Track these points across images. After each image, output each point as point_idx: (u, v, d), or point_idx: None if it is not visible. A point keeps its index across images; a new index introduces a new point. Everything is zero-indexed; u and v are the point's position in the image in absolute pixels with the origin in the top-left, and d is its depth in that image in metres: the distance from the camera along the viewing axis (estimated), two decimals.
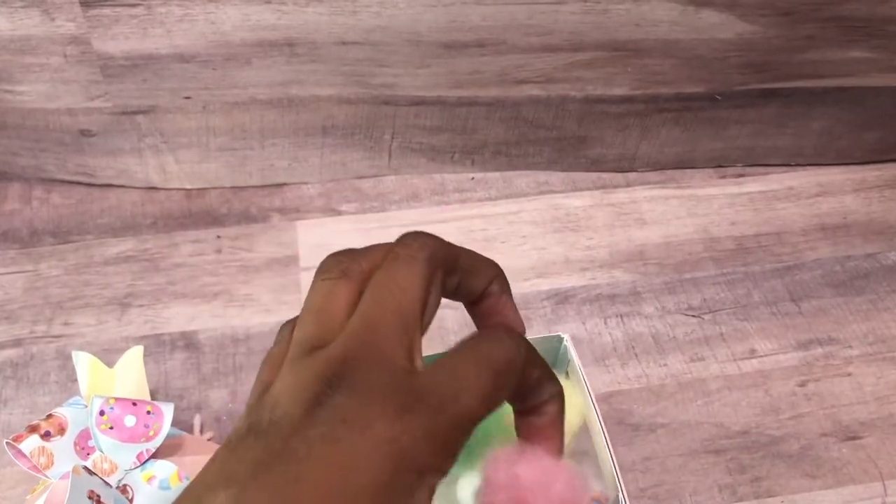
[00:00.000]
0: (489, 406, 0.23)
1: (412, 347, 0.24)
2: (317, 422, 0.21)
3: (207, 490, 0.21)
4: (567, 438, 0.46)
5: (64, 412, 0.51)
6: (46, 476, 0.49)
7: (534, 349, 0.25)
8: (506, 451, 0.25)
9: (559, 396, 0.26)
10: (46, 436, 0.49)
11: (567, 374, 0.49)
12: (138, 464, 0.49)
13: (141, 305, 0.65)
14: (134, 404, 0.50)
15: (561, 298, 0.66)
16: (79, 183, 0.73)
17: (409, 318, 0.24)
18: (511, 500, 0.24)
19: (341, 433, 0.21)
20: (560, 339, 0.48)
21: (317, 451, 0.21)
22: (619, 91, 0.69)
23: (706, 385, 0.61)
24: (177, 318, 0.64)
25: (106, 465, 0.49)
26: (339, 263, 0.25)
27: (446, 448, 0.22)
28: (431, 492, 0.22)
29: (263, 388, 0.23)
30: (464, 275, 0.26)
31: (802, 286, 0.68)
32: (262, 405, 0.23)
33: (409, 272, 0.25)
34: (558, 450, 0.26)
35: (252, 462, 0.21)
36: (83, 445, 0.50)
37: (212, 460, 0.22)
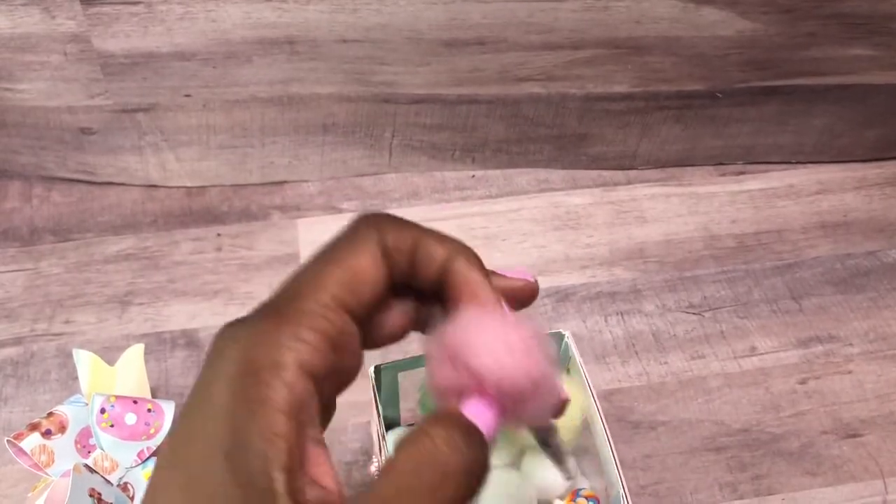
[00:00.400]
0: (350, 287, 0.22)
1: (381, 262, 0.22)
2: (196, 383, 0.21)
3: None
4: (569, 436, 0.47)
5: (65, 410, 0.51)
6: (47, 474, 0.49)
7: (396, 218, 0.23)
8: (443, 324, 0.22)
9: (450, 248, 0.23)
10: (47, 434, 0.49)
11: (568, 370, 0.49)
12: (139, 461, 0.49)
13: (141, 303, 0.65)
14: (135, 402, 0.50)
15: (561, 296, 0.66)
16: (79, 181, 0.73)
17: (326, 263, 0.23)
18: (463, 362, 0.21)
19: (200, 381, 0.21)
20: (561, 337, 0.48)
21: (191, 393, 0.21)
22: (619, 89, 0.69)
23: (707, 383, 0.61)
24: (177, 316, 0.64)
25: (107, 463, 0.49)
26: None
27: (295, 340, 0.21)
28: (290, 393, 0.20)
29: None
30: (415, 254, 0.23)
31: (803, 284, 0.68)
32: None
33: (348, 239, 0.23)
34: (494, 301, 0.23)
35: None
36: (84, 443, 0.50)
37: None
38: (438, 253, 0.23)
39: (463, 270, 0.23)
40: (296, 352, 0.20)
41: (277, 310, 0.21)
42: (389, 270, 0.22)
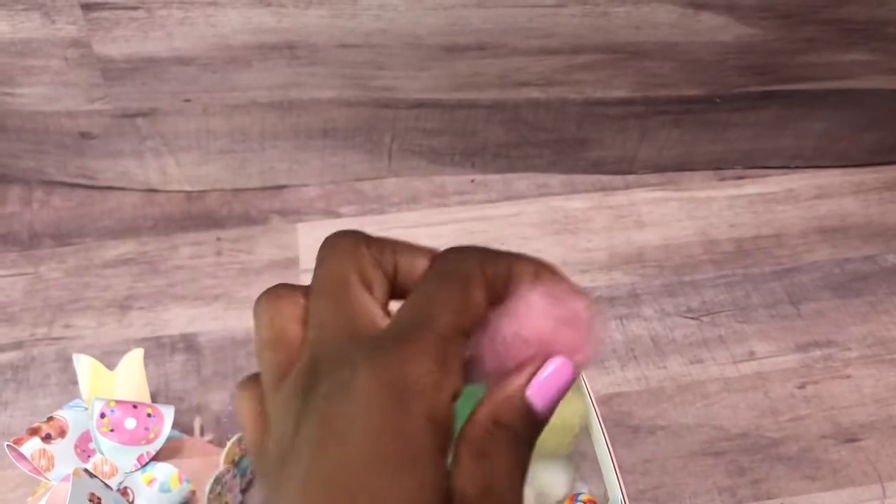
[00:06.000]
0: (468, 316, 0.23)
1: (369, 307, 0.23)
2: (305, 421, 0.21)
3: None
4: (568, 439, 0.47)
5: (64, 415, 0.51)
6: (47, 478, 0.49)
7: (489, 250, 0.25)
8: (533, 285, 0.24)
9: (544, 268, 0.25)
10: (47, 438, 0.49)
11: None
12: (139, 466, 0.49)
13: (141, 308, 0.65)
14: (134, 407, 0.50)
15: None
16: (79, 185, 0.73)
17: (348, 287, 0.24)
18: (538, 317, 0.23)
19: (329, 410, 0.21)
20: None
21: (317, 439, 0.21)
22: (618, 93, 0.69)
23: (705, 387, 0.61)
24: (177, 320, 0.64)
25: (106, 468, 0.49)
26: (277, 289, 0.25)
27: (442, 364, 0.22)
28: (449, 414, 0.21)
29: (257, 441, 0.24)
30: (399, 261, 0.25)
31: (801, 288, 0.68)
32: (262, 455, 0.23)
33: (336, 262, 0.25)
34: (570, 287, 0.25)
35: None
36: (84, 448, 0.50)
37: None
38: (527, 272, 0.25)
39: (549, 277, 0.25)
40: (454, 380, 0.22)
41: (416, 335, 0.22)
42: (487, 297, 0.24)
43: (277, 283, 0.26)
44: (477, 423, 0.22)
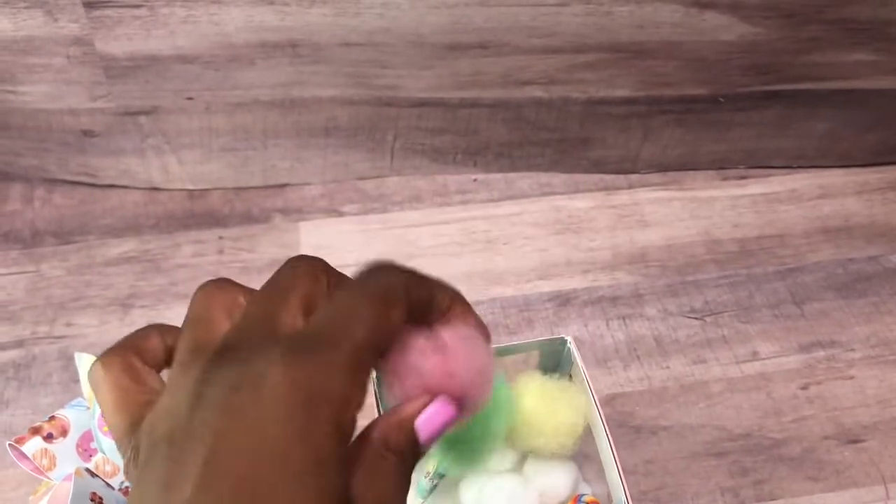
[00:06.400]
0: (382, 332, 0.23)
1: (300, 306, 0.24)
2: (210, 404, 0.21)
3: None
4: (571, 440, 0.47)
5: (66, 414, 0.51)
6: (49, 478, 0.49)
7: (417, 272, 0.26)
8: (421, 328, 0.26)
9: (458, 298, 0.27)
10: (49, 438, 0.49)
11: (570, 376, 0.49)
12: None
13: (143, 306, 0.65)
14: None
15: (563, 300, 0.66)
16: (81, 183, 0.73)
17: (287, 295, 0.24)
18: (428, 362, 0.25)
19: (237, 399, 0.21)
20: (564, 342, 0.48)
21: (220, 427, 0.20)
22: (621, 93, 0.69)
23: (708, 387, 0.61)
24: (179, 318, 0.64)
25: (108, 467, 0.49)
26: (221, 280, 0.26)
27: (352, 378, 0.22)
28: (352, 425, 0.22)
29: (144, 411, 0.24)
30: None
31: (804, 289, 0.68)
32: (156, 422, 0.22)
33: (288, 275, 0.25)
34: (477, 323, 0.27)
35: (159, 478, 0.21)
36: (85, 447, 0.50)
37: (131, 502, 0.22)
38: (446, 302, 0.26)
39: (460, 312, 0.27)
40: (361, 393, 0.22)
41: (332, 343, 0.22)
42: (404, 318, 0.25)
43: (223, 277, 0.26)
44: (370, 442, 0.23)
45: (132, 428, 0.24)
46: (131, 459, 0.23)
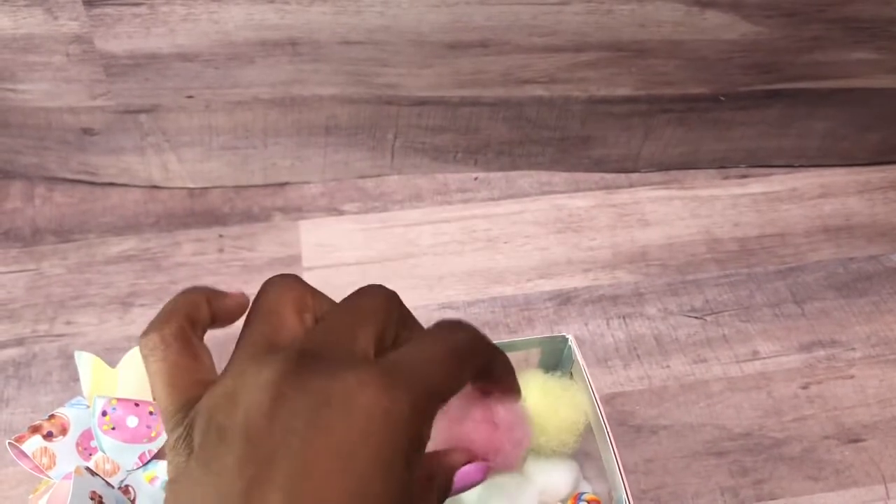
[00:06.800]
0: (456, 384, 0.25)
1: (375, 335, 0.24)
2: (297, 412, 0.21)
3: None
4: (572, 438, 0.47)
5: (66, 412, 0.51)
6: (48, 476, 0.48)
7: (484, 336, 0.27)
8: (476, 390, 0.29)
9: (511, 369, 0.29)
10: (49, 436, 0.49)
11: (571, 374, 0.49)
12: (140, 464, 0.49)
13: (143, 305, 0.65)
14: (136, 405, 0.50)
15: (563, 299, 0.66)
16: (81, 181, 0.73)
17: (370, 315, 0.25)
18: (480, 431, 0.29)
19: (327, 415, 0.21)
20: (565, 340, 0.48)
21: (312, 441, 0.21)
22: (622, 91, 0.69)
23: (708, 387, 0.61)
24: None
25: (108, 466, 0.49)
26: (291, 278, 0.27)
27: (426, 420, 0.23)
28: (420, 461, 0.23)
29: (208, 389, 0.23)
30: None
31: (805, 288, 0.68)
32: (220, 407, 0.22)
33: (373, 299, 0.26)
34: (517, 396, 0.30)
35: (236, 472, 0.20)
36: (85, 446, 0.50)
37: (179, 480, 0.22)
38: (499, 369, 0.28)
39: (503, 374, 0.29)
40: (428, 434, 0.24)
41: (415, 383, 0.23)
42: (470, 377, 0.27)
43: (292, 273, 0.27)
44: (424, 471, 0.25)
45: (186, 405, 0.23)
46: (182, 437, 0.23)
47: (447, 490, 0.27)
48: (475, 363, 0.26)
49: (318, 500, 0.20)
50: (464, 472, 0.28)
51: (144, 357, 0.25)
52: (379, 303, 0.26)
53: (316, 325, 0.25)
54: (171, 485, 0.22)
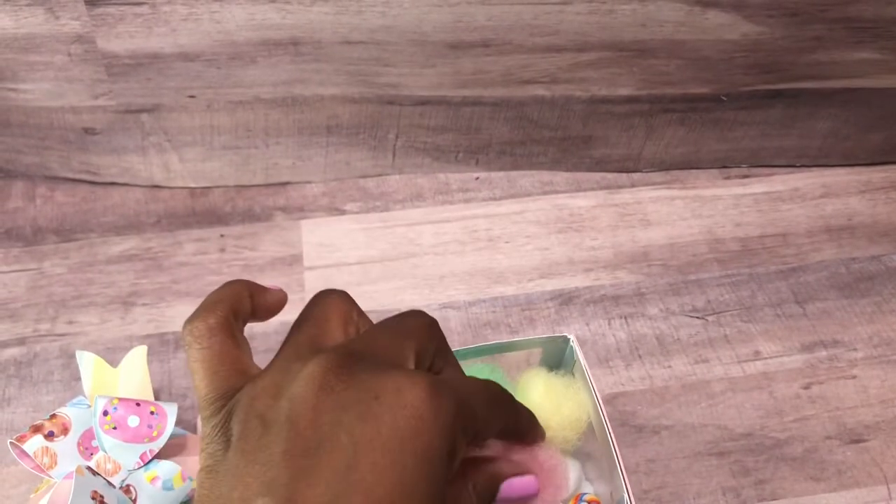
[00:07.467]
0: (491, 420, 0.26)
1: (415, 354, 0.25)
2: (344, 404, 0.21)
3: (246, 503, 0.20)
4: (575, 435, 0.46)
5: (67, 412, 0.51)
6: (50, 476, 0.49)
7: (511, 395, 0.29)
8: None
9: (535, 421, 0.31)
10: (50, 436, 0.49)
11: (573, 374, 0.49)
12: (142, 464, 0.49)
13: (145, 304, 0.65)
14: (137, 404, 0.50)
15: (565, 299, 0.66)
16: (82, 181, 0.73)
17: (413, 333, 0.26)
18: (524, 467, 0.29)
19: (378, 410, 0.21)
20: (566, 340, 0.48)
21: (359, 433, 0.21)
22: (624, 91, 0.69)
23: (710, 387, 0.61)
24: (181, 317, 0.64)
25: (109, 466, 0.49)
26: (344, 295, 0.28)
27: (464, 435, 0.23)
28: (452, 469, 0.23)
29: (251, 381, 0.24)
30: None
31: (807, 288, 0.67)
32: (262, 398, 0.22)
33: (415, 319, 0.27)
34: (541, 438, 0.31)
35: (282, 463, 0.20)
36: (87, 445, 0.50)
37: (216, 469, 0.21)
38: (525, 424, 0.30)
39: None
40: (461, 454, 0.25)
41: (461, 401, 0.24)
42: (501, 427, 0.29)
43: (341, 290, 0.28)
44: (457, 476, 0.26)
45: (225, 394, 0.24)
46: (219, 426, 0.23)
47: (491, 497, 0.27)
48: (507, 409, 0.27)
49: (365, 492, 0.20)
50: (518, 483, 0.28)
51: (188, 344, 0.25)
52: (421, 324, 0.26)
53: (360, 335, 0.25)
54: (207, 473, 0.22)
